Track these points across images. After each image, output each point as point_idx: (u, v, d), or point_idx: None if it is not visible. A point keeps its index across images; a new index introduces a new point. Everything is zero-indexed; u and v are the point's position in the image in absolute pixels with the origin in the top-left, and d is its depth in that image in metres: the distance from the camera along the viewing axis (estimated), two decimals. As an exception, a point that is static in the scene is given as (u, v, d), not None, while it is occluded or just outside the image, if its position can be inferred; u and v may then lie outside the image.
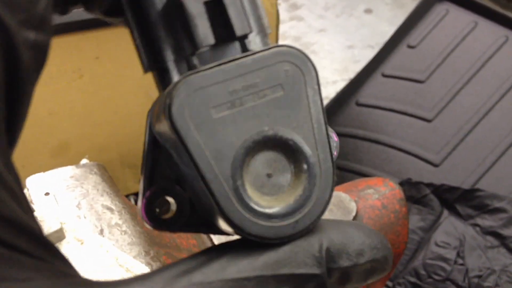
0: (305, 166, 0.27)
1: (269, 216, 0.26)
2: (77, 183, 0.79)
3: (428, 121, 1.46)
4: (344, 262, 0.26)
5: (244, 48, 0.30)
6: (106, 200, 0.77)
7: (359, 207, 0.91)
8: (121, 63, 1.30)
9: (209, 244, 0.85)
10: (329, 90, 2.09)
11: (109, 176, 0.83)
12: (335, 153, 0.31)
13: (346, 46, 2.34)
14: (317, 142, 0.27)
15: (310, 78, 0.28)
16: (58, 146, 1.39)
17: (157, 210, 0.32)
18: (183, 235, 0.84)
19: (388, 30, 2.32)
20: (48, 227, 0.68)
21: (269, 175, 0.27)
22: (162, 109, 0.27)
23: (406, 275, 1.20)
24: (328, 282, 0.25)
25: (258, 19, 0.31)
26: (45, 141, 1.37)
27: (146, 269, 0.66)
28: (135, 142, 1.49)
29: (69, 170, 0.81)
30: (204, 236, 0.87)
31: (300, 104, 0.27)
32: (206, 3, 0.29)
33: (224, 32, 0.29)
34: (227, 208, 0.26)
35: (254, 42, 0.31)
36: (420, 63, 1.60)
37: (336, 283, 0.26)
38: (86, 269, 0.65)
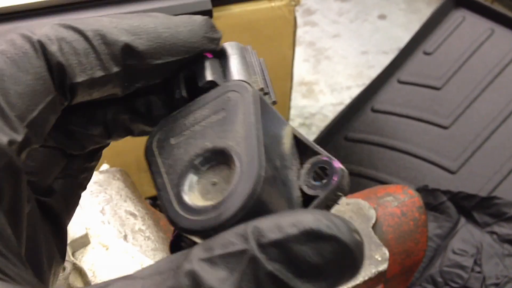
0: (235, 168, 0.30)
1: (198, 212, 0.29)
2: (100, 188, 0.79)
3: (445, 128, 1.46)
4: (274, 234, 0.25)
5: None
6: (130, 206, 0.78)
7: (378, 214, 0.91)
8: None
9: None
10: (343, 96, 2.09)
11: (132, 182, 0.84)
12: (345, 181, 0.32)
13: (360, 51, 2.34)
14: (247, 148, 0.30)
15: (247, 98, 0.32)
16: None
17: (183, 244, 0.35)
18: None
19: (402, 36, 2.32)
20: (73, 232, 0.68)
21: (213, 184, 0.31)
22: None
23: (423, 282, 1.20)
24: (262, 257, 0.25)
25: None
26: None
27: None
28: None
29: (92, 176, 0.82)
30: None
31: (236, 120, 0.31)
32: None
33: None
34: (169, 210, 0.31)
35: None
36: (437, 69, 1.60)
37: (283, 264, 0.25)
38: (111, 275, 0.66)
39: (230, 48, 0.38)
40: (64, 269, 0.54)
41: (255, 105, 0.31)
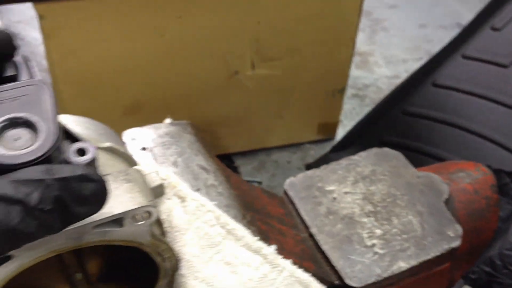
0: (37, 130, 0.46)
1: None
2: (172, 140, 0.78)
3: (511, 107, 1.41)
4: (63, 174, 0.43)
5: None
6: (201, 160, 0.76)
7: (451, 189, 0.88)
8: (203, 24, 1.28)
9: (294, 214, 0.84)
10: (399, 69, 2.04)
11: (202, 137, 0.82)
12: None
13: (418, 24, 2.27)
14: (45, 117, 0.46)
15: (45, 91, 0.49)
16: (131, 104, 1.39)
17: None
18: (272, 203, 0.83)
19: (461, 11, 2.24)
20: (148, 182, 0.67)
21: (17, 139, 0.46)
22: None
23: (480, 264, 1.16)
24: (53, 185, 0.43)
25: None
26: (119, 98, 1.37)
27: (246, 232, 0.65)
28: (206, 106, 1.48)
29: (164, 127, 0.80)
30: (290, 206, 0.85)
31: (38, 101, 0.48)
32: None
33: None
34: None
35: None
36: (505, 46, 1.53)
37: (65, 192, 0.43)
38: (187, 227, 0.64)
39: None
40: (149, 214, 0.52)
41: (53, 98, 0.48)
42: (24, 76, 0.52)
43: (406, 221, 0.83)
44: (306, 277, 0.64)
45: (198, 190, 0.71)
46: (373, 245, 0.80)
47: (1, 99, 0.48)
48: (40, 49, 1.79)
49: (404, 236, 0.81)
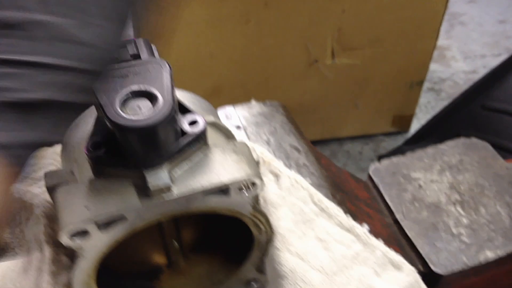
0: (156, 100, 0.50)
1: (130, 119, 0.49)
2: (265, 120, 0.80)
3: None
4: None
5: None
6: (293, 141, 0.78)
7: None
8: (288, 11, 1.29)
9: (378, 199, 0.84)
10: (477, 64, 1.99)
11: (293, 118, 0.83)
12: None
13: (497, 20, 2.20)
14: (164, 90, 0.51)
15: (164, 68, 0.53)
16: (212, 88, 1.42)
17: None
18: (358, 187, 0.83)
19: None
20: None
21: (139, 108, 0.50)
22: None
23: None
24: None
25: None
26: (202, 81, 1.40)
27: (340, 211, 0.66)
28: (283, 93, 1.49)
29: (258, 107, 0.82)
30: (374, 191, 0.86)
31: (157, 77, 0.52)
32: None
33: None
34: (110, 114, 0.49)
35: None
36: None
37: None
38: (281, 203, 0.66)
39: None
40: (254, 185, 0.54)
41: (170, 74, 0.53)
42: (145, 55, 0.57)
43: (494, 211, 0.82)
44: (399, 258, 0.65)
45: (290, 168, 0.73)
46: (460, 234, 0.79)
47: (126, 73, 0.53)
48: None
49: (492, 226, 0.80)
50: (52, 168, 0.67)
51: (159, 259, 0.70)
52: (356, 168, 1.67)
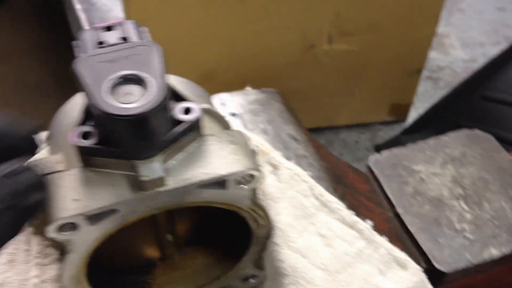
0: (147, 86, 0.47)
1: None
2: (262, 108, 0.76)
3: None
4: None
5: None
6: (291, 130, 0.74)
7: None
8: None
9: (379, 192, 0.81)
10: (476, 52, 1.96)
11: (291, 106, 0.80)
12: None
13: (496, 7, 2.17)
14: (155, 75, 0.48)
15: (155, 51, 0.50)
16: (205, 73, 1.38)
17: None
18: (358, 179, 0.80)
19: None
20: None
21: (129, 94, 0.47)
22: None
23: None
24: None
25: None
26: (196, 65, 1.36)
27: (341, 205, 0.63)
28: (278, 79, 1.45)
29: (253, 94, 0.78)
30: (375, 183, 0.83)
31: (148, 61, 0.49)
32: None
33: None
34: (99, 100, 0.46)
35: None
36: None
37: None
38: (280, 196, 0.63)
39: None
40: (253, 177, 0.51)
41: (162, 57, 0.50)
42: (134, 38, 0.53)
43: (498, 206, 0.79)
44: (404, 256, 0.62)
45: (288, 159, 0.70)
46: (463, 229, 0.76)
47: (114, 58, 0.50)
48: (110, 14, 1.81)
49: (496, 222, 0.77)
50: (36, 155, 0.63)
51: (152, 252, 0.67)
52: (352, 157, 1.64)
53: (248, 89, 0.89)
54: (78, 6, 1.81)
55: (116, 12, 1.81)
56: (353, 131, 1.70)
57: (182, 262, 0.66)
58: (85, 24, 1.71)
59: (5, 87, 2.62)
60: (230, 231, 0.63)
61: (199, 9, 1.24)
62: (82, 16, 1.75)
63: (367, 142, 1.69)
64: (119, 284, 0.64)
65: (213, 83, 1.40)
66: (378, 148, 1.64)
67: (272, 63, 1.42)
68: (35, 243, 0.57)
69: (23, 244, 0.59)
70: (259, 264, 0.61)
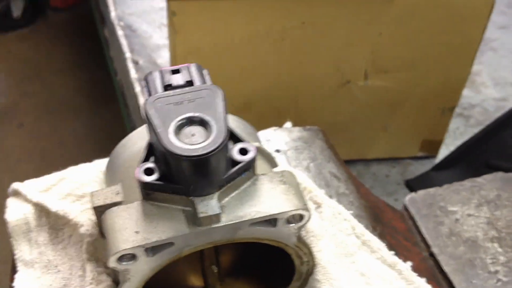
0: (210, 128, 0.51)
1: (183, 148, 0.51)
2: (305, 145, 0.79)
3: None
4: None
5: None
6: (333, 168, 0.77)
7: None
8: (324, 31, 1.29)
9: (414, 231, 0.83)
10: (508, 91, 1.97)
11: (332, 144, 0.82)
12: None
13: (529, 47, 2.18)
14: (217, 118, 0.52)
15: (218, 95, 0.55)
16: (243, 103, 1.42)
17: None
18: (395, 218, 0.82)
19: None
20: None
21: (193, 135, 0.51)
22: None
23: None
24: None
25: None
26: (234, 96, 1.40)
27: (382, 245, 0.65)
28: (312, 112, 1.49)
29: (297, 132, 0.81)
30: (410, 222, 0.84)
31: (211, 104, 0.54)
32: None
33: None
34: (165, 142, 0.50)
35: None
36: None
37: None
38: (323, 233, 0.65)
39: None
40: (301, 217, 0.54)
41: (224, 101, 0.55)
42: (197, 82, 0.57)
43: (532, 251, 0.80)
44: (441, 297, 0.63)
45: (330, 197, 0.72)
46: (497, 271, 0.78)
47: (181, 100, 0.54)
48: (150, 42, 1.86)
49: (530, 266, 0.78)
50: (94, 185, 0.67)
51: (196, 281, 0.69)
52: (383, 191, 1.65)
53: (288, 124, 0.92)
54: (120, 32, 1.87)
55: (156, 39, 1.87)
56: (384, 165, 1.71)
57: (223, 292, 0.69)
58: (126, 50, 1.77)
59: (37, 104, 2.69)
60: (271, 263, 0.66)
61: (243, 44, 1.28)
62: (124, 42, 1.81)
63: (398, 176, 1.70)
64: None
65: (249, 113, 1.43)
66: (409, 183, 1.65)
67: (307, 96, 1.45)
68: (89, 269, 0.60)
69: (78, 269, 0.62)
70: (299, 298, 0.63)
